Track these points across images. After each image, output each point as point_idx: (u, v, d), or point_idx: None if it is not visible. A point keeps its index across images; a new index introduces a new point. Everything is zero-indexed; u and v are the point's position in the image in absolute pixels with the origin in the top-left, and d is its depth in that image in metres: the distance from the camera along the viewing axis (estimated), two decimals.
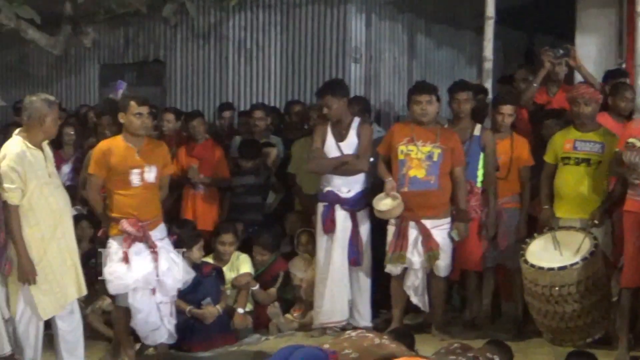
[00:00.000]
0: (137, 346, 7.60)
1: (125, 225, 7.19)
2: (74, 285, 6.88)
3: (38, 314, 6.74)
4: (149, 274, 7.22)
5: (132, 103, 7.31)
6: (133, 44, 12.72)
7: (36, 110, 6.73)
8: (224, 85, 11.88)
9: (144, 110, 7.31)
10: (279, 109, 11.01)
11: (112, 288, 7.22)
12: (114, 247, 7.24)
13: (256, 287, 8.68)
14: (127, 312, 7.34)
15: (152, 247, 7.26)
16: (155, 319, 7.36)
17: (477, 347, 6.74)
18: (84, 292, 7.03)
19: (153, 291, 7.30)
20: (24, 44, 12.88)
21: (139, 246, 7.24)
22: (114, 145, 7.34)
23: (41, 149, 6.79)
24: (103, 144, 7.47)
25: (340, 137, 8.29)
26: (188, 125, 9.57)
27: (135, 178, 7.26)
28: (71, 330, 6.98)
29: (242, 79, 11.74)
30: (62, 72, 13.42)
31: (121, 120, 7.36)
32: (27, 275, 6.59)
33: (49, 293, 6.73)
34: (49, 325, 6.95)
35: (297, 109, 10.48)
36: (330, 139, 8.30)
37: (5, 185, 6.53)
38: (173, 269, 7.38)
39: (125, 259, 7.17)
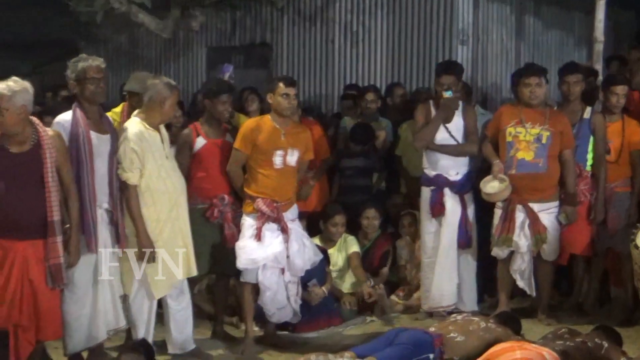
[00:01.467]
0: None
1: (261, 204, 7.27)
2: (185, 266, 6.98)
3: (151, 293, 6.88)
4: (279, 253, 7.29)
5: (280, 84, 7.36)
6: (240, 27, 12.83)
7: (158, 93, 6.83)
8: (329, 67, 11.90)
9: (291, 91, 7.34)
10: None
11: (240, 262, 7.29)
12: (247, 224, 7.34)
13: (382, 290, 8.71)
14: (252, 289, 7.43)
15: (284, 228, 7.33)
16: (283, 298, 7.45)
17: (585, 332, 6.67)
18: (194, 273, 7.11)
19: (282, 270, 7.39)
20: (135, 27, 13.12)
21: (271, 225, 7.31)
22: (263, 124, 7.40)
23: (158, 130, 6.91)
24: (251, 122, 7.57)
25: (446, 119, 8.23)
26: None
27: (278, 159, 7.31)
28: (181, 309, 7.11)
29: (348, 62, 11.75)
30: (171, 55, 13.62)
31: (269, 101, 7.44)
32: (145, 254, 6.74)
33: (161, 273, 6.85)
34: (160, 303, 7.08)
35: (400, 92, 10.45)
36: None
37: (125, 165, 6.66)
38: (302, 250, 7.45)
39: (258, 236, 7.26)
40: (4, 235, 6.05)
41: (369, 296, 8.40)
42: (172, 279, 6.92)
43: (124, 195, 6.70)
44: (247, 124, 7.56)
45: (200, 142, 7.45)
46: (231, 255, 7.37)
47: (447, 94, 8.01)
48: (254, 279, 7.37)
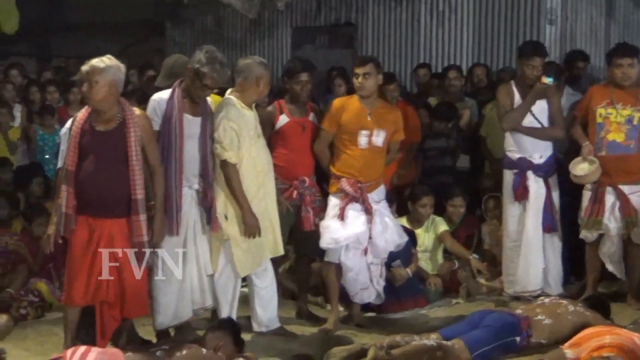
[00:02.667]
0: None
1: (344, 184, 7.27)
2: (271, 244, 7.04)
3: (237, 271, 6.94)
4: (361, 234, 7.28)
5: (356, 64, 7.40)
6: (325, 6, 12.82)
7: (253, 72, 6.90)
8: (415, 47, 11.83)
9: (359, 70, 7.30)
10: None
11: (324, 241, 7.32)
12: (332, 203, 7.36)
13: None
14: (336, 269, 7.43)
15: (367, 209, 7.31)
16: (365, 279, 7.44)
17: None
18: (281, 252, 7.18)
19: (365, 251, 7.37)
20: (220, 8, 13.20)
21: (355, 206, 7.30)
22: (349, 104, 7.40)
23: (252, 109, 6.96)
24: (338, 101, 7.58)
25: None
26: (382, 88, 9.47)
27: (362, 140, 7.29)
28: (265, 286, 7.15)
29: (434, 41, 11.67)
30: (256, 35, 13.68)
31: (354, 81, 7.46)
32: (253, 229, 6.78)
33: (247, 251, 6.89)
34: (243, 282, 7.15)
35: (479, 72, 10.36)
36: (519, 102, 8.07)
37: (225, 144, 6.71)
38: (386, 231, 7.41)
39: (341, 216, 7.27)
40: (91, 213, 6.19)
41: (478, 271, 8.43)
42: (257, 258, 6.97)
43: (224, 175, 6.75)
44: (334, 103, 7.57)
45: (283, 119, 7.45)
46: (311, 236, 7.41)
47: (549, 81, 7.85)
48: (337, 258, 7.38)
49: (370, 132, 7.30)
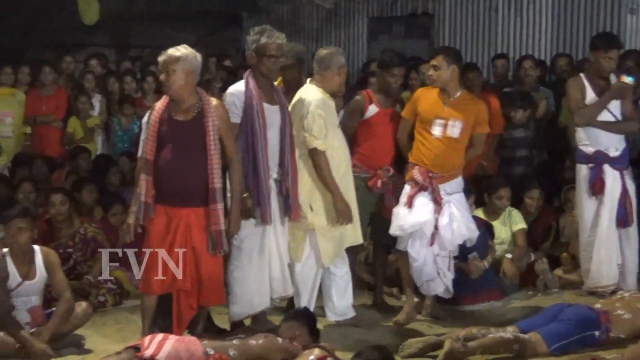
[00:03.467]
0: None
1: (416, 172, 7.25)
2: (351, 233, 7.07)
3: (320, 260, 6.98)
4: (425, 223, 7.22)
5: None
6: None
7: (337, 62, 6.99)
8: (492, 37, 11.75)
9: (431, 62, 7.31)
10: (545, 63, 10.76)
11: (392, 228, 7.31)
12: (404, 191, 7.34)
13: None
14: (407, 258, 7.42)
15: (436, 199, 7.25)
16: (431, 271, 7.37)
17: None
18: (360, 240, 7.22)
19: (431, 242, 7.33)
20: None
21: (424, 194, 7.26)
22: (428, 93, 7.39)
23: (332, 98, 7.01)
24: (419, 90, 7.62)
25: (602, 94, 7.93)
26: (463, 77, 9.39)
27: (436, 129, 7.23)
28: (342, 275, 7.19)
29: (512, 31, 11.57)
30: (332, 25, 13.70)
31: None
32: (346, 215, 6.87)
33: (332, 241, 6.96)
34: None
35: (562, 62, 10.21)
36: (591, 95, 7.89)
37: (314, 132, 6.77)
38: (453, 224, 7.33)
39: (409, 204, 7.25)
40: (168, 202, 6.25)
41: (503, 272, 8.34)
42: (339, 246, 7.02)
43: (314, 163, 6.82)
44: (416, 92, 7.62)
45: (372, 109, 7.48)
46: (387, 226, 7.39)
47: (629, 80, 7.68)
48: (405, 247, 7.36)
49: (445, 122, 7.22)
